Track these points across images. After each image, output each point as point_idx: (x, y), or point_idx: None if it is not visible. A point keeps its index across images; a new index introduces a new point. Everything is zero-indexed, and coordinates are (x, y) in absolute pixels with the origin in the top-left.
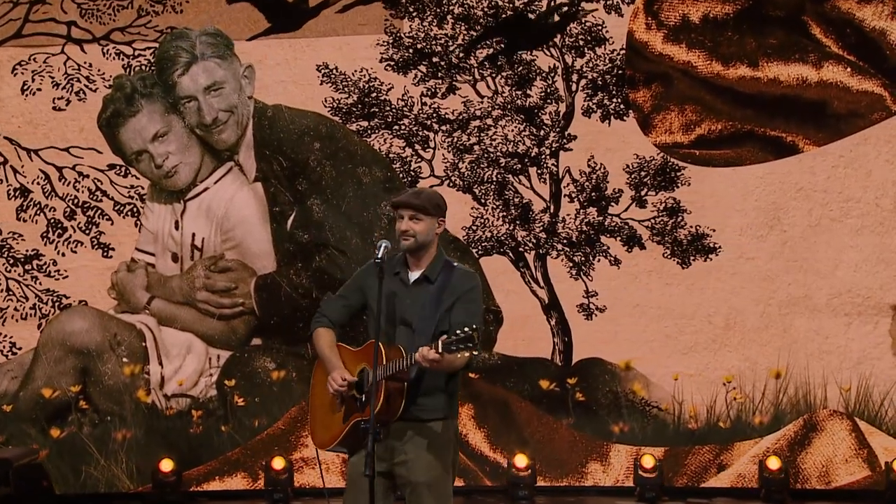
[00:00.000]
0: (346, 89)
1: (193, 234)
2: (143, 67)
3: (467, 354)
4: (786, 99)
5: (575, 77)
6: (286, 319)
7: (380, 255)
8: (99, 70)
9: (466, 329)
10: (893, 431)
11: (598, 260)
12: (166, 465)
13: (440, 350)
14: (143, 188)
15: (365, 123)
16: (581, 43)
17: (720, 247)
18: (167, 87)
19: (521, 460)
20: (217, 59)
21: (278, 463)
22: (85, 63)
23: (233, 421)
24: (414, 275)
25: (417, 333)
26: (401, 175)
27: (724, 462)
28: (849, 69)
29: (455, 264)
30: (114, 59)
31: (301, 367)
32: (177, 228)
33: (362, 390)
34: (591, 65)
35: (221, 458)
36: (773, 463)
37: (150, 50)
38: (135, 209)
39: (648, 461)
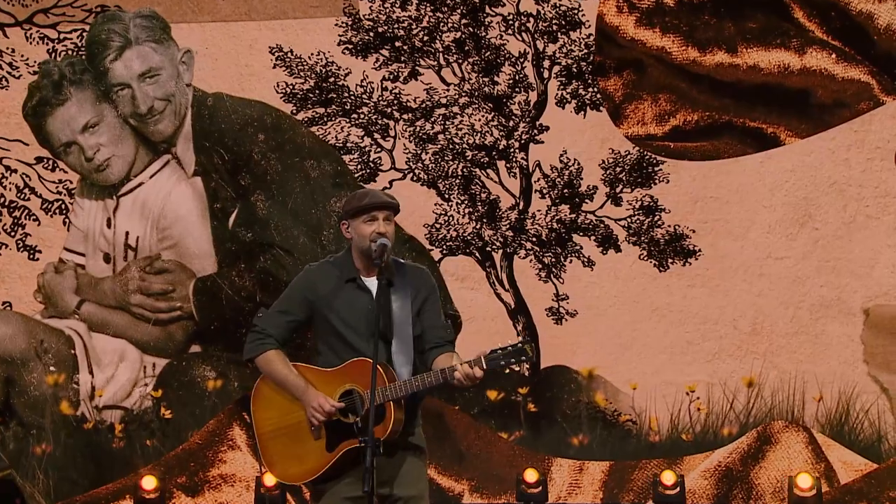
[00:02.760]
0: (301, 74)
1: (127, 233)
2: (71, 52)
3: (517, 368)
4: (766, 87)
5: (547, 63)
6: (227, 324)
7: (384, 258)
8: (23, 55)
9: (518, 343)
10: None
11: (570, 261)
12: (148, 482)
13: (485, 367)
14: (71, 182)
15: (322, 110)
16: (554, 27)
17: (700, 250)
18: (98, 73)
19: (531, 475)
20: (152, 43)
21: (269, 479)
22: (7, 48)
23: (159, 434)
24: (372, 280)
25: (396, 343)
26: (359, 167)
27: None
28: (834, 55)
29: (402, 261)
30: (38, 43)
31: (244, 376)
32: (109, 226)
33: (351, 414)
34: (564, 50)
35: (133, 475)
36: (805, 481)
37: (78, 32)
38: (63, 206)
39: (669, 477)
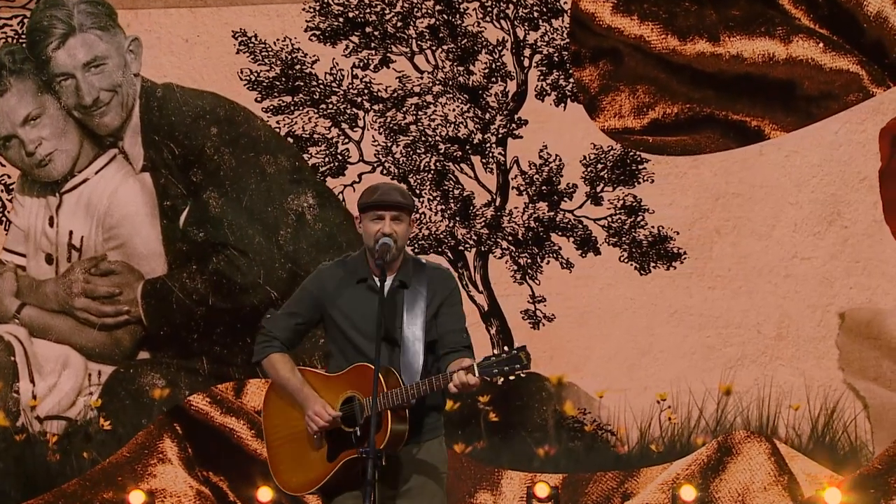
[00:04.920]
0: (266, 61)
1: (71, 232)
2: (11, 39)
3: (511, 378)
4: (750, 78)
5: (528, 53)
6: (178, 330)
7: (386, 259)
8: None
9: (512, 350)
10: None
11: (548, 262)
12: (136, 497)
13: (477, 374)
14: (10, 178)
15: (288, 99)
16: (535, 14)
17: (685, 253)
18: (40, 62)
19: (542, 489)
20: (98, 30)
21: (265, 494)
22: None
23: (96, 446)
24: (387, 281)
25: (404, 349)
26: (326, 159)
27: (629, 490)
28: (821, 45)
29: (424, 262)
30: None
31: (195, 384)
32: (51, 225)
33: (353, 422)
34: (546, 39)
35: (56, 490)
36: (834, 497)
37: (18, 18)
38: (1, 203)
39: (689, 493)
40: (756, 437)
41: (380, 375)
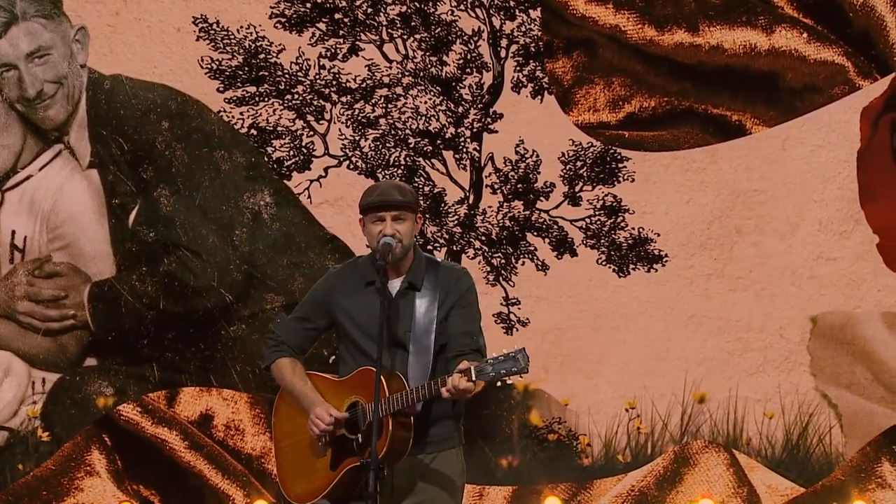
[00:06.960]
0: (228, 49)
1: (13, 232)
2: None
3: (508, 381)
4: (731, 70)
5: (504, 43)
6: (127, 335)
7: (388, 260)
8: None
9: (511, 352)
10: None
11: (523, 263)
12: None
13: (473, 378)
14: None
15: (253, 89)
16: (512, 3)
17: (666, 255)
18: None
19: None
20: (42, 18)
21: None
22: None
23: (36, 458)
24: (395, 283)
25: (414, 353)
26: (291, 153)
27: (583, 502)
28: (805, 35)
29: (439, 261)
30: None
31: (145, 392)
32: None
33: (356, 429)
34: (523, 29)
35: None
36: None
37: None
38: None
39: None
40: (714, 448)
41: (382, 379)
